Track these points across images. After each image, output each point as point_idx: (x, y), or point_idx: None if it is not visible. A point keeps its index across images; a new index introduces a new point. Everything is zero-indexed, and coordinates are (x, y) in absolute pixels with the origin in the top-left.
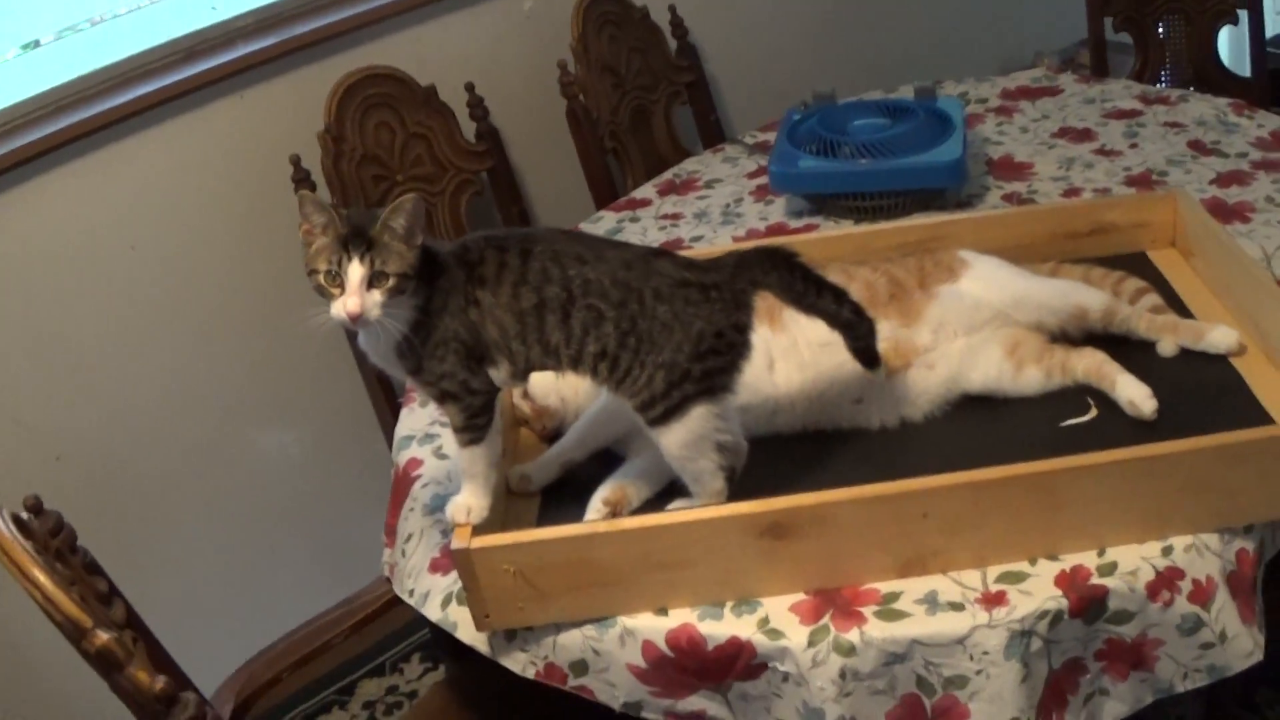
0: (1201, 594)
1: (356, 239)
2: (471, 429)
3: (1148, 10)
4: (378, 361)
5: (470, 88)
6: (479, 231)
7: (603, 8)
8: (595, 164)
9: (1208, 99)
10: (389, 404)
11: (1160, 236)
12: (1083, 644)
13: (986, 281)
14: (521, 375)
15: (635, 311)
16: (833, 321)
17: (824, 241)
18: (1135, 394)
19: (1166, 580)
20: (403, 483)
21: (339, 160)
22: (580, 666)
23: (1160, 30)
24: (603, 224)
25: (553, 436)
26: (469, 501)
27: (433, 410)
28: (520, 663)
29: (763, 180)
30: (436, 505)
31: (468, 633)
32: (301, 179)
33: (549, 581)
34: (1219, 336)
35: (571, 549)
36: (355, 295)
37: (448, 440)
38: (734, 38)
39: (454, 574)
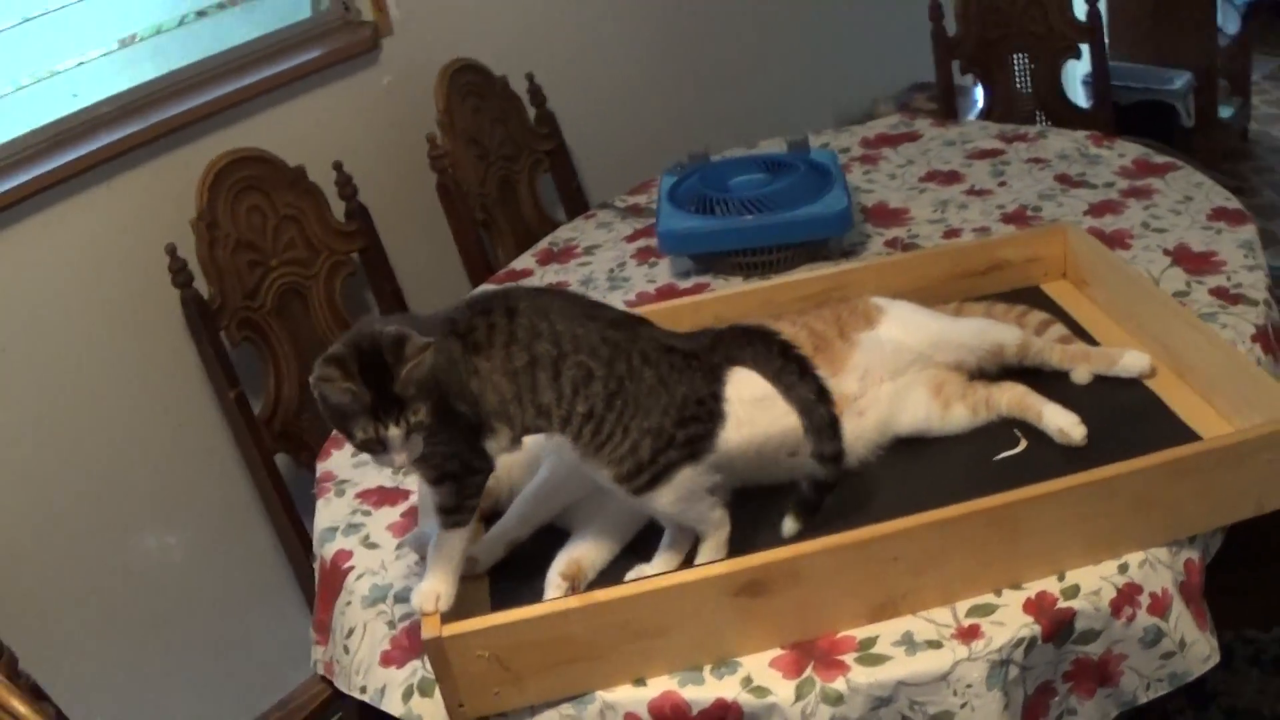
0: (1159, 606)
1: (385, 404)
2: (462, 510)
3: (993, 51)
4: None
5: (338, 166)
6: (455, 302)
7: (465, 78)
8: (468, 237)
9: (1065, 133)
10: (278, 495)
11: (1052, 269)
12: (1053, 667)
13: (904, 325)
14: (517, 441)
15: (623, 372)
16: (804, 415)
17: (728, 299)
18: (1064, 422)
19: (1127, 596)
20: (332, 576)
21: (214, 247)
22: None
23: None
24: None
25: (488, 516)
26: (437, 588)
27: (350, 500)
28: None
29: (643, 243)
30: (377, 596)
31: None
32: (179, 269)
33: (524, 663)
34: (1131, 360)
35: (547, 627)
36: (401, 454)
37: (374, 528)
38: (589, 104)
39: (410, 665)
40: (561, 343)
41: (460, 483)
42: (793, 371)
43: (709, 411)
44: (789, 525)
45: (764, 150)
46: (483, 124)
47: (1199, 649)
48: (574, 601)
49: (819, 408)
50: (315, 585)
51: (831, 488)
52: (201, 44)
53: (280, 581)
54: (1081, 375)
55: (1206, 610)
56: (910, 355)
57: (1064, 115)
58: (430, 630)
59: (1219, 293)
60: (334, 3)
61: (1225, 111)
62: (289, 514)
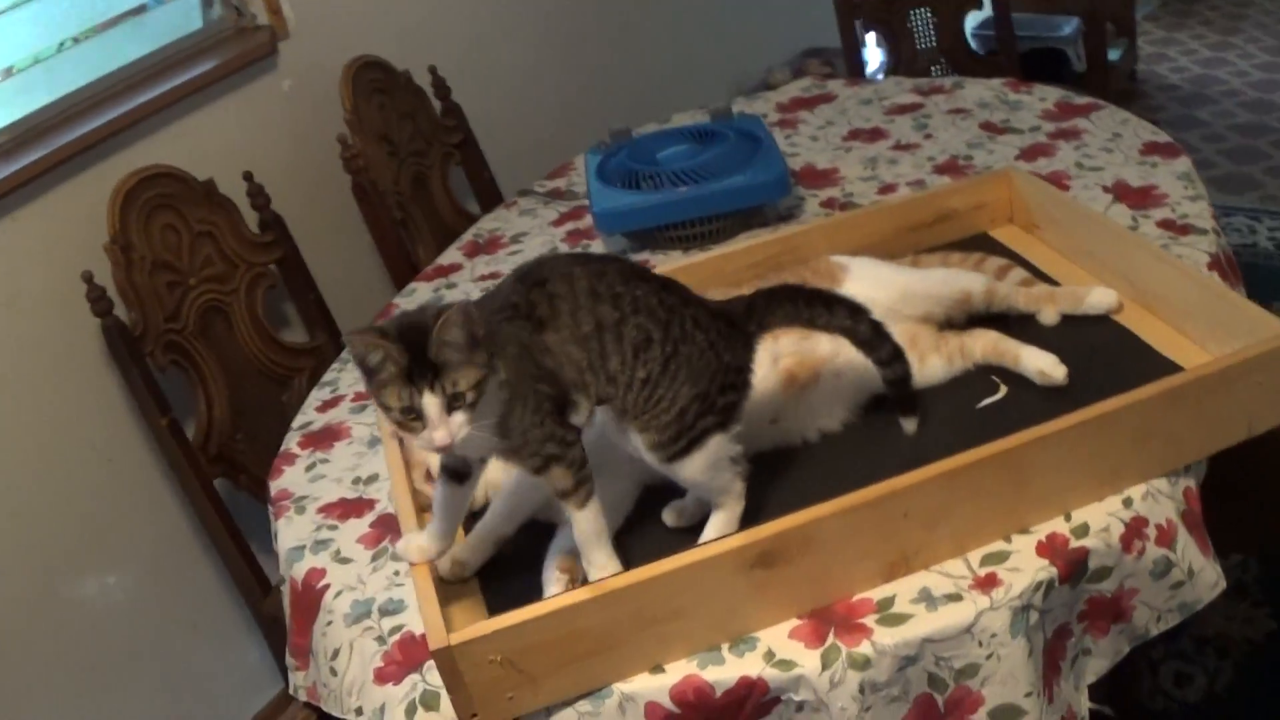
0: (1165, 537)
1: (420, 368)
2: (583, 483)
3: (894, 7)
4: (471, 454)
5: (249, 176)
6: (503, 281)
7: (369, 75)
8: (388, 237)
9: (982, 82)
10: (222, 520)
11: (999, 215)
12: (1069, 608)
13: (870, 281)
14: (593, 413)
15: (678, 335)
16: (849, 336)
17: (680, 272)
18: (1044, 363)
19: (1135, 530)
20: (306, 597)
21: (130, 271)
22: None
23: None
24: (419, 295)
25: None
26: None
27: (312, 516)
28: None
29: (571, 226)
30: (360, 612)
31: None
32: (97, 297)
33: (537, 663)
34: (1099, 297)
35: (559, 624)
36: (441, 429)
37: (343, 542)
38: (491, 93)
39: (409, 680)
40: (621, 304)
41: (565, 460)
42: (821, 308)
43: (744, 380)
44: (909, 426)
45: (682, 123)
46: (390, 121)
47: (1207, 576)
48: (585, 593)
49: (859, 325)
50: (285, 608)
51: (907, 381)
52: (94, 65)
53: (227, 609)
54: (1049, 316)
55: (1208, 537)
56: (880, 310)
57: (969, 66)
58: (437, 640)
59: (1167, 225)
60: (226, 10)
61: (1112, 54)
62: (234, 539)
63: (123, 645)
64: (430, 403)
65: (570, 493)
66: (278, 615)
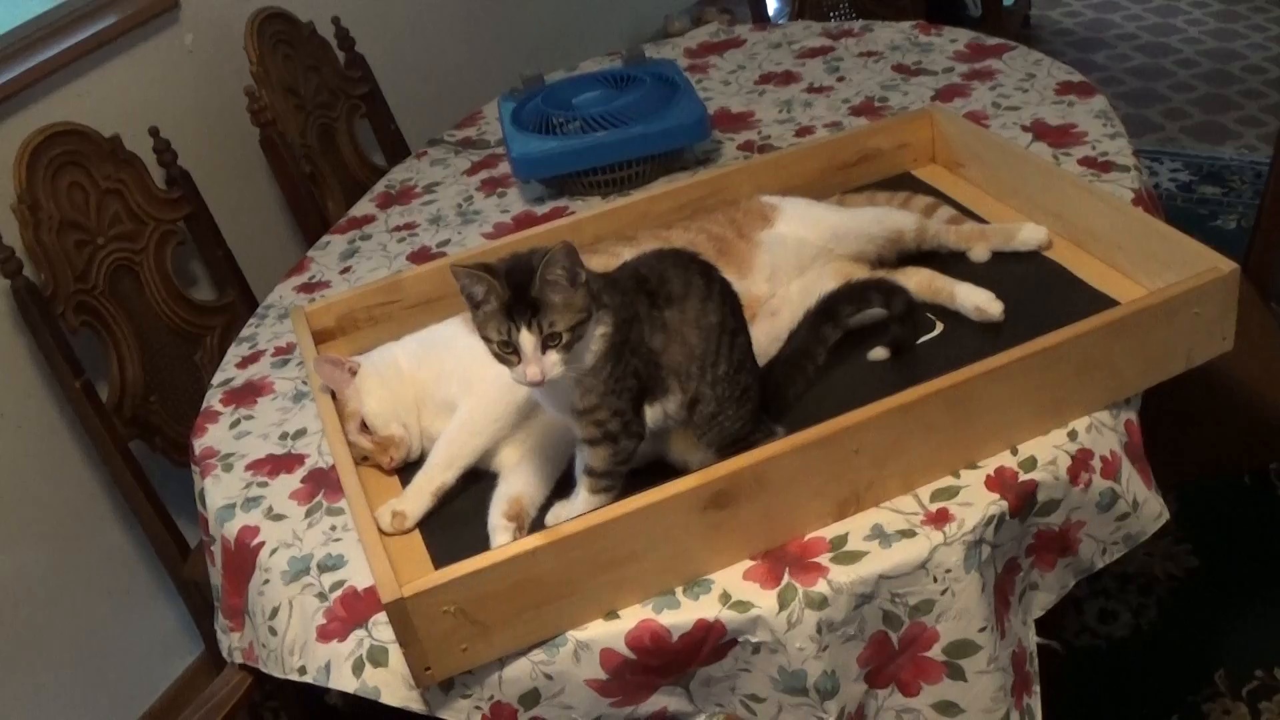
0: (1110, 469)
1: (520, 305)
2: (611, 476)
3: None
4: (552, 407)
5: (154, 132)
6: (639, 258)
7: (273, 27)
8: (297, 191)
9: (891, 25)
10: (139, 482)
11: (921, 155)
12: (1018, 543)
13: (801, 220)
14: (682, 409)
15: (750, 367)
16: (848, 300)
17: (606, 216)
18: (979, 299)
19: (1081, 463)
20: (240, 555)
21: (39, 230)
22: (532, 697)
23: None
24: (333, 247)
25: (401, 469)
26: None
27: (241, 473)
28: (463, 711)
29: (485, 175)
30: (299, 569)
31: (395, 694)
32: (6, 257)
33: (492, 613)
34: (1029, 233)
35: (513, 571)
36: (534, 365)
37: (275, 499)
38: (393, 44)
39: (354, 636)
40: (740, 318)
41: (616, 445)
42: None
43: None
44: (878, 352)
45: (590, 70)
46: (296, 73)
47: (1151, 507)
48: (539, 539)
49: (854, 287)
50: (216, 569)
51: (910, 315)
52: None
53: (144, 575)
54: (980, 254)
55: (1150, 470)
56: (813, 250)
57: (872, 10)
58: (389, 593)
59: (1089, 163)
60: None
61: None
62: (151, 502)
63: (35, 614)
64: (526, 339)
65: (597, 475)
66: (197, 578)
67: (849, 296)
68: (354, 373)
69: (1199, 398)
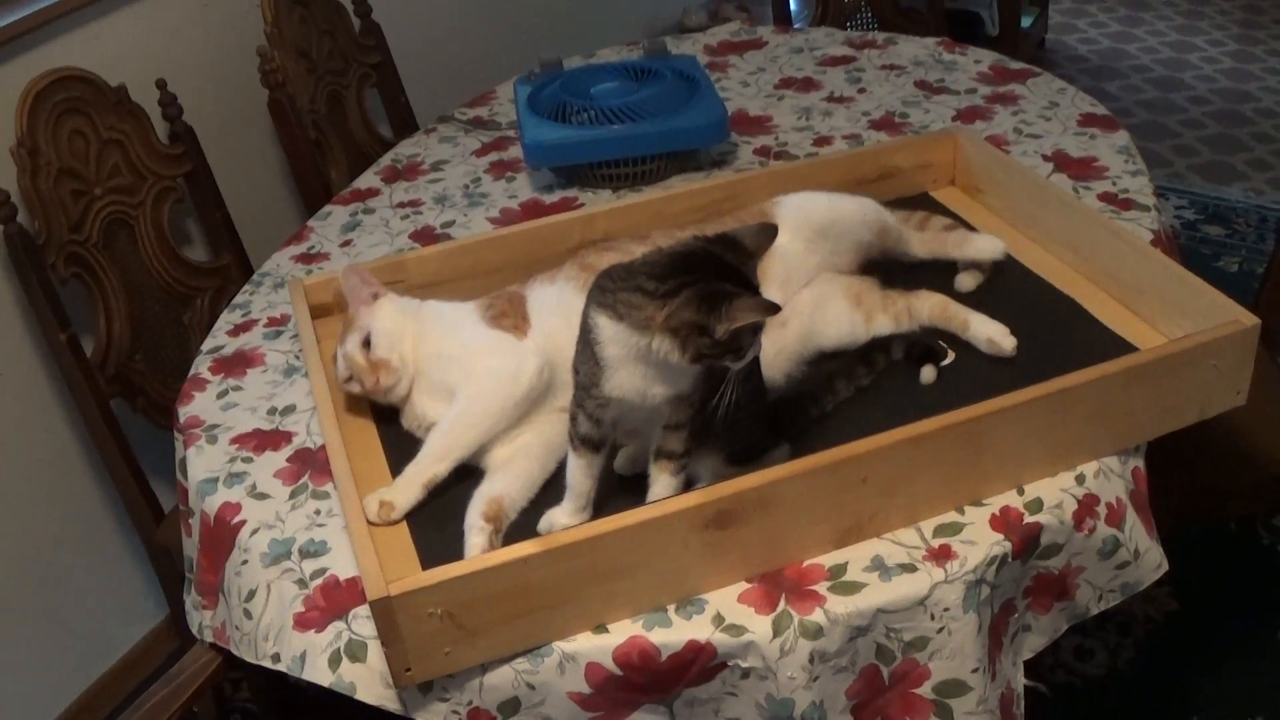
0: (1115, 516)
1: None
2: (688, 457)
3: None
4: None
5: (162, 84)
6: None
7: None
8: (302, 157)
9: (915, 40)
10: (116, 442)
11: (941, 176)
12: (1016, 584)
13: (800, 206)
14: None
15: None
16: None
17: (619, 212)
18: (993, 331)
19: (1087, 508)
20: (219, 532)
21: (36, 177)
22: (511, 705)
23: None
24: (334, 219)
25: (381, 402)
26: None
27: (225, 446)
28: (440, 714)
29: (495, 157)
30: (279, 552)
31: (371, 692)
32: (2, 202)
33: (478, 618)
34: (985, 244)
35: (505, 577)
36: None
37: (259, 476)
38: (411, 14)
39: (333, 628)
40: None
41: (691, 428)
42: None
43: None
44: (928, 374)
45: (608, 59)
46: (310, 36)
47: (1151, 557)
48: (534, 546)
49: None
50: (193, 543)
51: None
52: None
53: (114, 534)
54: (966, 283)
55: (1153, 520)
56: (812, 230)
57: (894, 21)
58: (376, 590)
59: (1109, 198)
60: None
61: (1025, 21)
62: (128, 463)
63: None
64: None
65: (679, 457)
66: (169, 545)
67: (860, 358)
68: (376, 298)
69: (1194, 445)
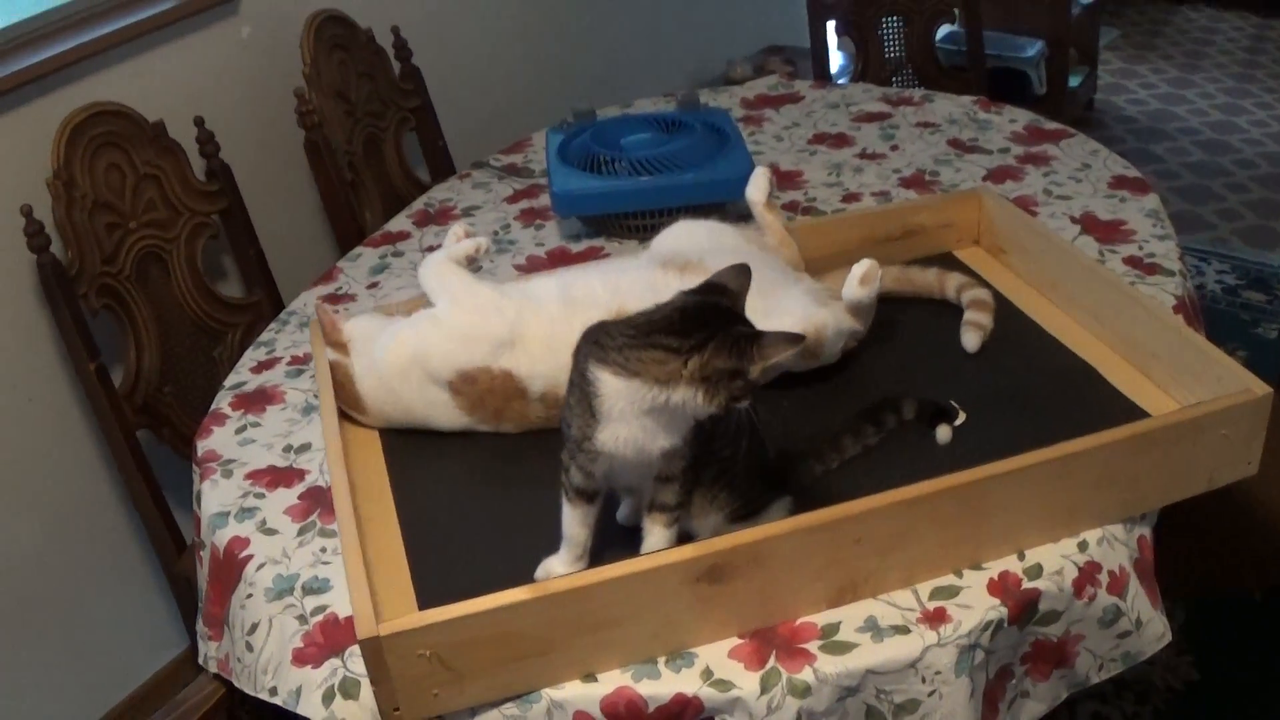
0: (1117, 585)
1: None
2: (681, 509)
3: (867, 12)
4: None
5: (199, 122)
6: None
7: (332, 30)
8: (337, 198)
9: (951, 98)
10: (141, 473)
11: (965, 236)
12: (1014, 650)
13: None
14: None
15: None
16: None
17: None
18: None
19: (1088, 575)
20: (228, 566)
21: (71, 209)
22: None
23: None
24: (364, 260)
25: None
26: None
27: (239, 481)
28: None
29: (525, 204)
30: (283, 588)
31: None
32: (35, 231)
33: (468, 661)
34: (856, 270)
35: (495, 622)
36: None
37: (270, 513)
38: (453, 61)
39: (329, 665)
40: None
41: (683, 480)
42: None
43: None
44: (943, 434)
45: (646, 109)
46: (349, 79)
47: (1154, 628)
48: (525, 593)
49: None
50: (202, 575)
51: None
52: None
53: (137, 564)
54: (971, 342)
55: (1157, 589)
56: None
57: (935, 79)
58: (366, 629)
59: (1134, 262)
60: None
61: (1073, 80)
62: (152, 493)
63: (24, 589)
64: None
65: (671, 509)
66: (189, 575)
67: (868, 417)
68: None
69: (1215, 513)
